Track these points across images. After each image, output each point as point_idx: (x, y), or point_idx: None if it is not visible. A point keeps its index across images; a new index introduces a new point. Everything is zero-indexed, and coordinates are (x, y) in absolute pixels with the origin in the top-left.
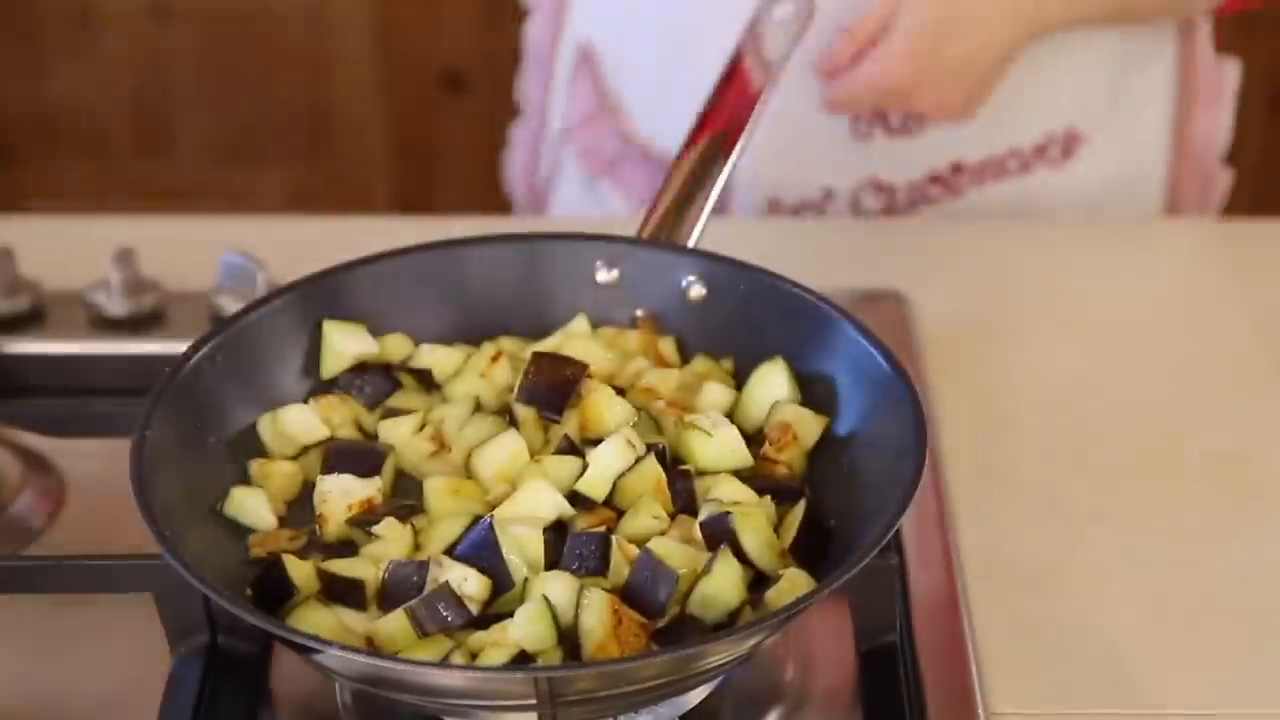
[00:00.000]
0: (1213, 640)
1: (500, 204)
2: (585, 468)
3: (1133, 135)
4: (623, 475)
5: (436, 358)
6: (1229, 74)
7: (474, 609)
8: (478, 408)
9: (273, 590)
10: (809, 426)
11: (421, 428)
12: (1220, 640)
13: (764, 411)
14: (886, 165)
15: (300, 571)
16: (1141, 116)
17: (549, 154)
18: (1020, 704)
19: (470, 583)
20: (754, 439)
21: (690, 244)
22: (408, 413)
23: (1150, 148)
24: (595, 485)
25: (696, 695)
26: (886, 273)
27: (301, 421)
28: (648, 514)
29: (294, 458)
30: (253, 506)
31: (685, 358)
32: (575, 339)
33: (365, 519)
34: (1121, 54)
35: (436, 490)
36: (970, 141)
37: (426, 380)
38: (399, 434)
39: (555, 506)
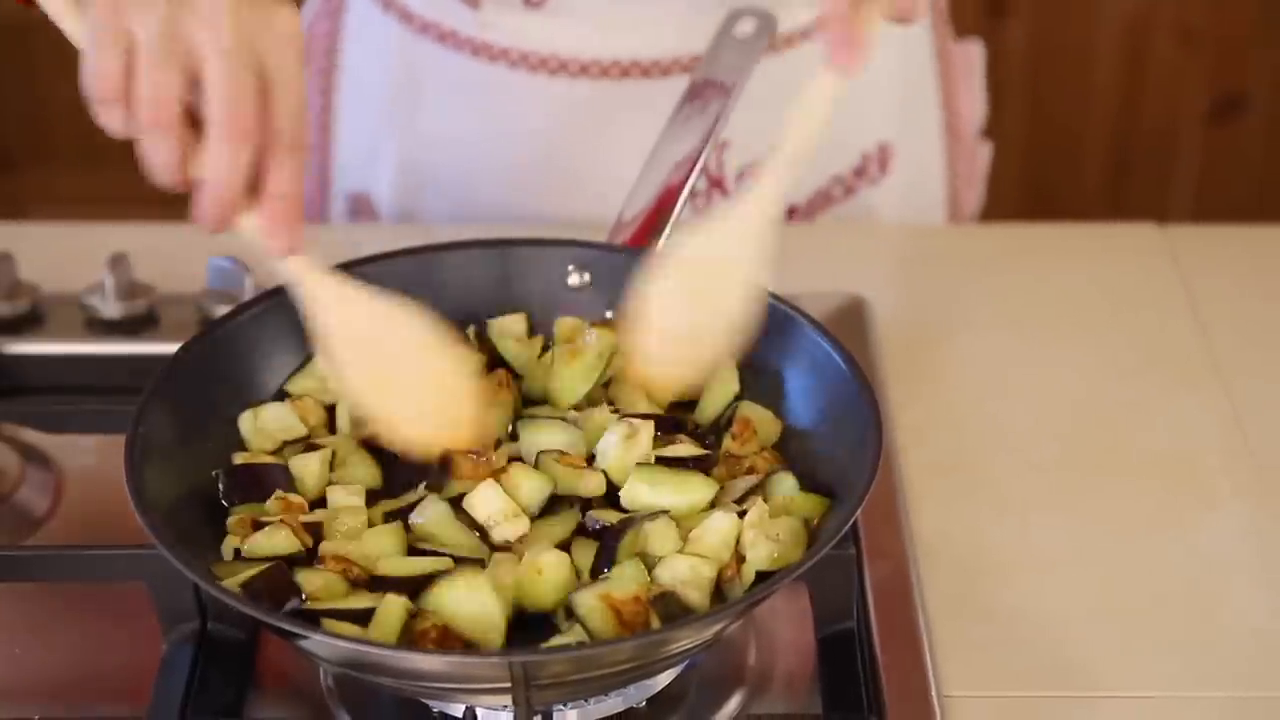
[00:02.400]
0: (1153, 627)
1: None
2: None
3: (920, 128)
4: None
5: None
6: (974, 54)
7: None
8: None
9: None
10: (768, 426)
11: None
12: (1159, 627)
13: (718, 409)
14: None
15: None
16: (922, 109)
17: None
18: (970, 687)
19: None
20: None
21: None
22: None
23: (930, 134)
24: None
25: (664, 678)
26: (846, 277)
27: (279, 419)
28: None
29: (273, 453)
30: None
31: None
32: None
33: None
34: (901, 64)
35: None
36: (796, 186)
37: None
38: (308, 470)
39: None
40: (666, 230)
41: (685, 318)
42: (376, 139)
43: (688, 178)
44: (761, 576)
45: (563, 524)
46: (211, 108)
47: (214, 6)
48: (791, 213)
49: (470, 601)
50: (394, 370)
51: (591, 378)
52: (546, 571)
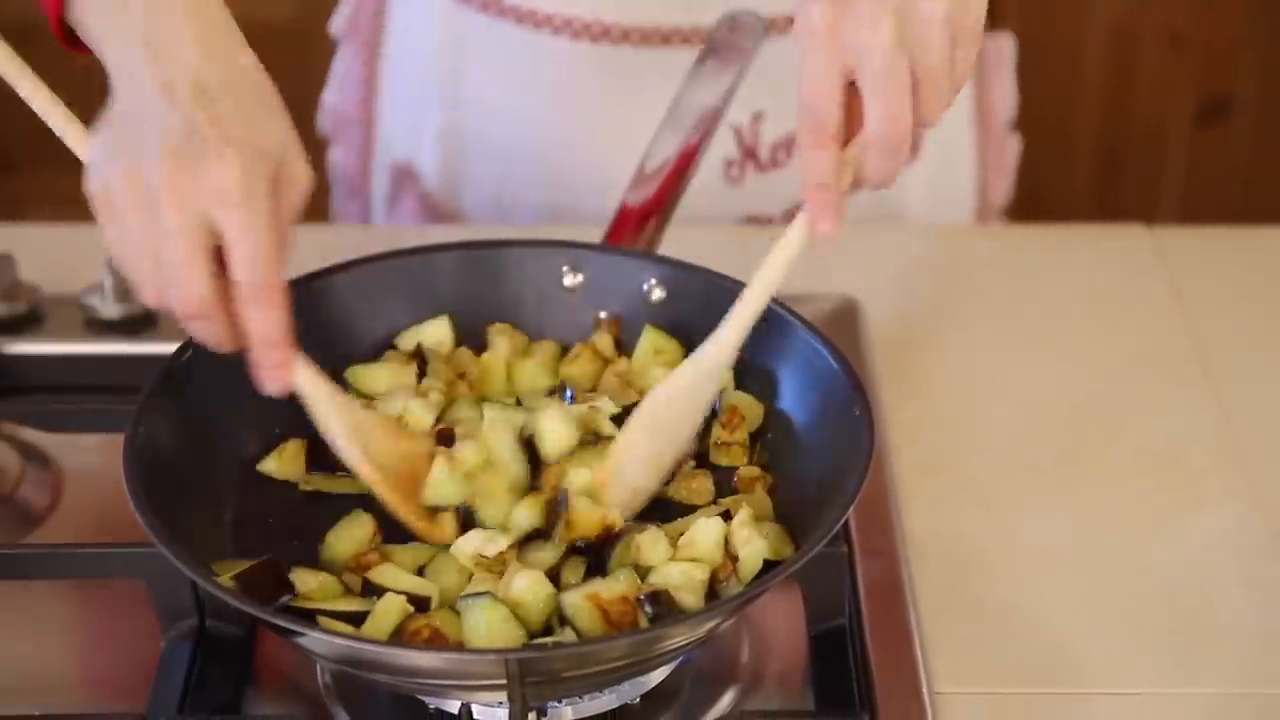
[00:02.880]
0: (1141, 624)
1: None
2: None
3: (949, 115)
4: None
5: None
6: (1005, 47)
7: None
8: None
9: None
10: (752, 409)
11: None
12: (1148, 624)
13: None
14: (760, 200)
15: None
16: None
17: None
18: (961, 684)
19: None
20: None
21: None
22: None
23: (960, 124)
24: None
25: (658, 675)
26: (838, 278)
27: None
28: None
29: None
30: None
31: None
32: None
33: None
34: None
35: None
36: None
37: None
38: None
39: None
40: (684, 193)
41: (648, 451)
42: (420, 108)
43: (706, 137)
44: (762, 570)
45: (553, 550)
46: (170, 295)
47: (156, 182)
48: None
49: (484, 626)
50: (378, 456)
51: (552, 368)
52: (525, 597)
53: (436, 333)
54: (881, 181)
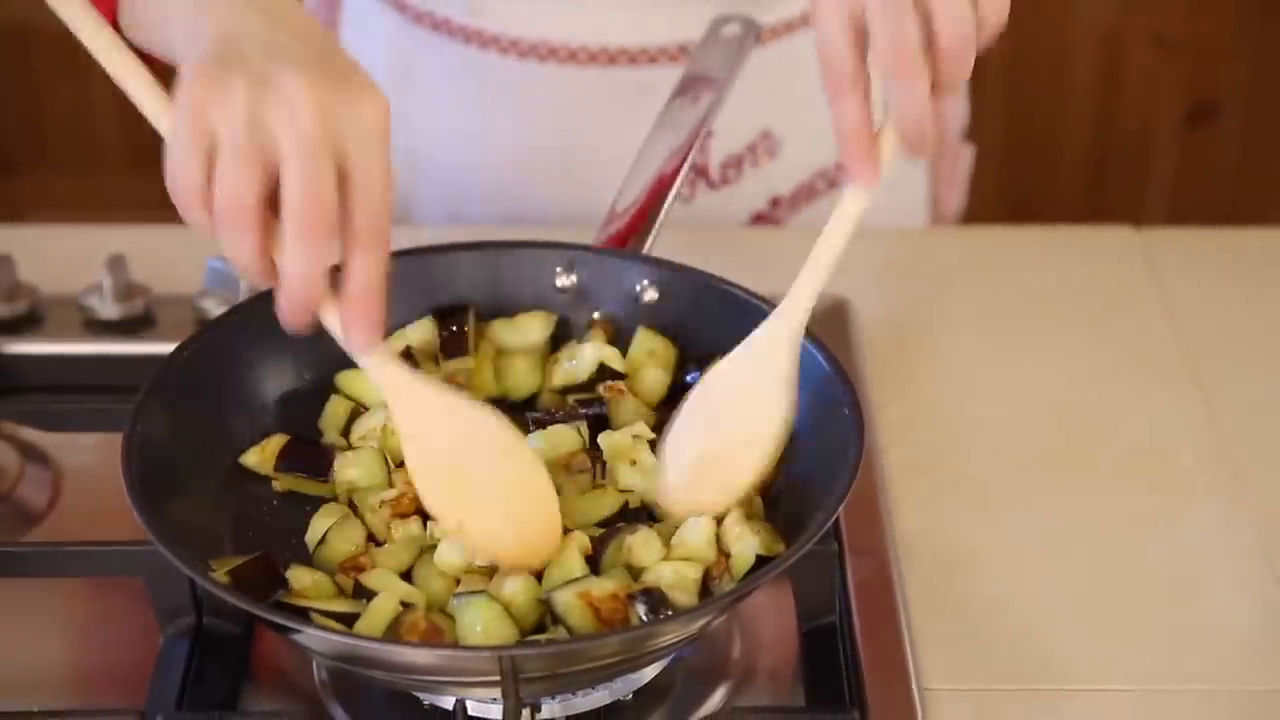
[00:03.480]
0: (1128, 621)
1: None
2: None
3: None
4: None
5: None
6: None
7: None
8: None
9: (255, 576)
10: None
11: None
12: (1135, 621)
13: None
14: (712, 215)
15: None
16: None
17: None
18: (950, 680)
19: None
20: None
21: (644, 251)
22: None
23: None
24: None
25: (650, 672)
26: (829, 279)
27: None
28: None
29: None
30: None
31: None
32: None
33: None
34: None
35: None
36: (781, 177)
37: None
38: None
39: None
40: (658, 222)
41: (709, 445)
42: None
43: (679, 169)
44: (755, 565)
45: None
46: (288, 205)
47: (296, 96)
48: (775, 203)
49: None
50: (471, 478)
51: (540, 367)
52: (516, 598)
53: (422, 334)
54: (913, 145)
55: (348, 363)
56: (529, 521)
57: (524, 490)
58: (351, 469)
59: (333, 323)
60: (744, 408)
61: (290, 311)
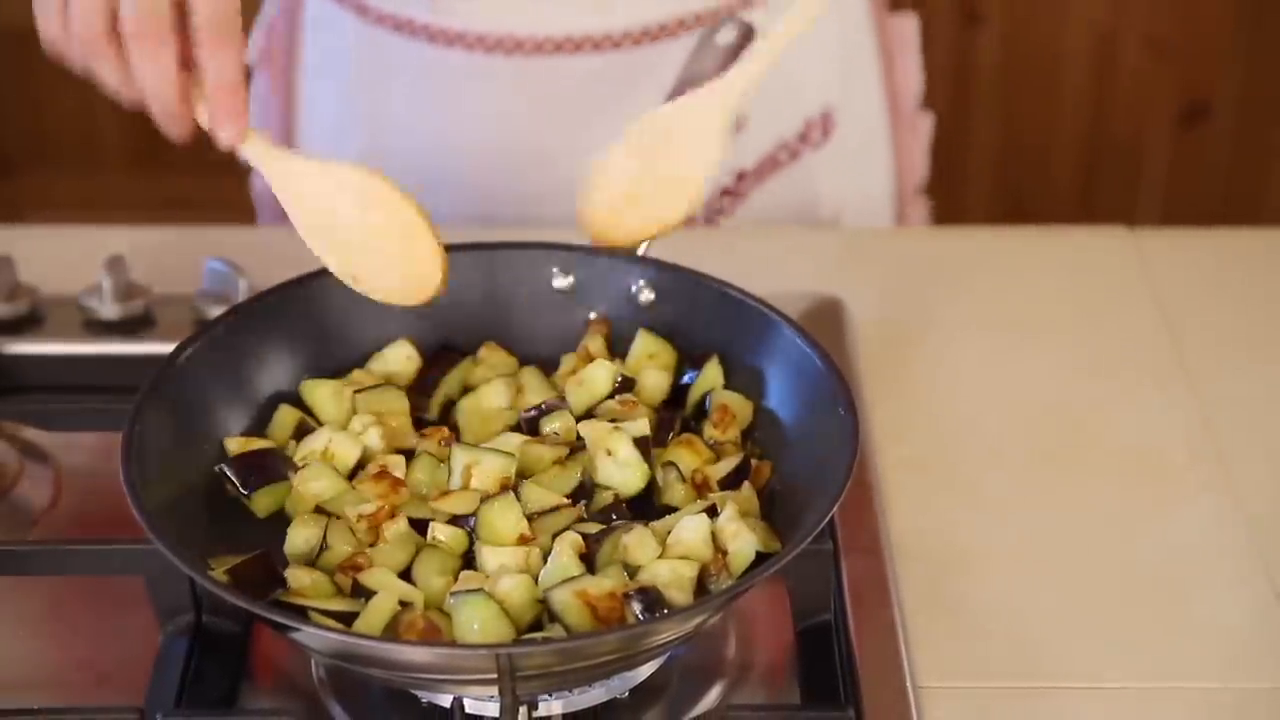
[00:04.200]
0: (1122, 620)
1: None
2: None
3: (862, 96)
4: None
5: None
6: (909, 28)
7: None
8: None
9: (254, 575)
10: (743, 408)
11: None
12: (1129, 620)
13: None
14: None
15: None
16: (863, 77)
17: None
18: (944, 678)
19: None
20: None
21: (640, 252)
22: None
23: (873, 104)
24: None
25: (646, 670)
26: (823, 278)
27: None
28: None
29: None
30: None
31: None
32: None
33: None
34: (839, 31)
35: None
36: (745, 151)
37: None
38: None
39: None
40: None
41: (643, 174)
42: (341, 132)
43: None
44: (754, 563)
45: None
46: (123, 19)
47: None
48: (741, 177)
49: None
50: (351, 228)
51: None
52: (511, 596)
53: (398, 356)
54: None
55: (346, 367)
56: (409, 259)
57: (399, 230)
58: (314, 483)
59: (203, 122)
60: (680, 150)
61: (162, 118)
